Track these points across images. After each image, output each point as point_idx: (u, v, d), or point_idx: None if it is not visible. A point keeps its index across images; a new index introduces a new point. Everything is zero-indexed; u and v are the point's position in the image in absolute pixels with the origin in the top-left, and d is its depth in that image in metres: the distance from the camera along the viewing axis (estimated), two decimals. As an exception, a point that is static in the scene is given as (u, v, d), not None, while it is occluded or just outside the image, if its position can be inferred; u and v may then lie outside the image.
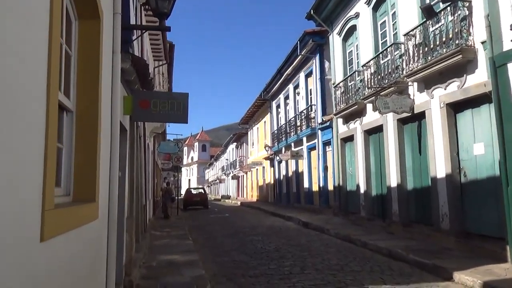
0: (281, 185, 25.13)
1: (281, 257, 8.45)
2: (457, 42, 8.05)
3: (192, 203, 28.24)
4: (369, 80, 12.13)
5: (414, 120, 10.36)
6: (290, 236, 11.75)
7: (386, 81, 10.94)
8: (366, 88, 12.19)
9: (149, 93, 5.85)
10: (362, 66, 12.56)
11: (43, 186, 1.99)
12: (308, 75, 19.35)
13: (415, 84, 9.96)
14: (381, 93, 10.43)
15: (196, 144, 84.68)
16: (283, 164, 24.20)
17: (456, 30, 8.08)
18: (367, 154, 12.95)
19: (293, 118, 21.13)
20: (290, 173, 22.91)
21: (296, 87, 21.45)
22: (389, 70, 10.90)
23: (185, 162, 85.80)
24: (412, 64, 9.69)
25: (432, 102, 9.35)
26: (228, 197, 50.11)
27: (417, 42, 9.52)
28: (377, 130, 12.27)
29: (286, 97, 23.47)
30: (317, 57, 17.64)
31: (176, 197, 22.28)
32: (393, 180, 11.11)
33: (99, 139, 3.53)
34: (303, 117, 19.37)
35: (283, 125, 23.30)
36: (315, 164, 18.60)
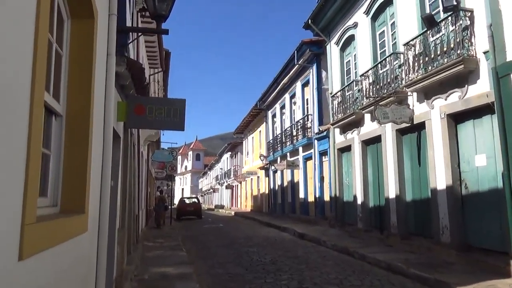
0: (276, 195, 24.88)
1: (278, 270, 8.19)
2: (458, 52, 7.93)
3: (185, 213, 27.84)
4: (367, 90, 12.01)
5: (414, 130, 10.22)
6: (286, 248, 11.49)
7: (385, 91, 10.82)
8: (365, 98, 12.06)
9: (144, 98, 5.62)
10: (360, 76, 12.45)
11: (23, 198, 1.75)
12: (305, 84, 19.24)
13: (415, 94, 9.84)
14: (380, 103, 10.28)
15: (190, 153, 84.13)
16: (278, 174, 23.98)
17: (458, 40, 7.98)
18: (365, 164, 12.77)
19: (289, 128, 20.96)
20: (285, 183, 22.68)
21: (292, 96, 21.34)
22: (388, 80, 10.79)
23: (178, 171, 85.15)
24: (412, 74, 9.58)
25: (432, 112, 9.22)
26: (222, 207, 49.68)
27: (417, 52, 9.42)
28: (375, 140, 12.12)
29: (282, 107, 23.34)
30: (314, 67, 17.54)
31: (170, 206, 21.91)
32: (391, 191, 10.93)
33: (90, 146, 3.30)
34: (299, 127, 19.21)
35: (279, 135, 23.13)
36: (311, 174, 18.41)
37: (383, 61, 11.22)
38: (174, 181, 26.68)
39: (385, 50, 11.85)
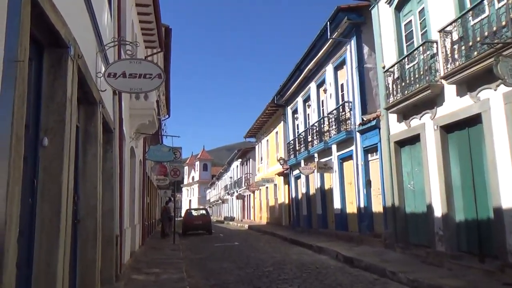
0: (299, 205, 20.94)
1: None
2: None
3: (192, 227, 23.99)
4: (449, 51, 8.32)
5: (552, 99, 6.42)
6: (340, 284, 7.65)
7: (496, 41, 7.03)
8: (449, 63, 8.32)
9: None
10: (438, 31, 8.69)
11: None
12: (339, 66, 15.47)
13: (559, 38, 6.08)
14: (503, 53, 6.49)
15: (197, 163, 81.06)
16: (302, 179, 20.08)
17: None
18: (446, 160, 8.93)
19: (317, 123, 17.13)
20: (312, 191, 18.78)
21: (320, 84, 17.52)
22: (503, 23, 7.01)
23: (185, 181, 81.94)
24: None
25: None
26: (232, 219, 45.84)
27: None
28: (466, 123, 8.34)
29: (307, 99, 19.50)
30: (353, 41, 13.80)
31: (174, 218, 18.43)
32: (506, 198, 7.08)
33: None
34: (332, 120, 15.39)
35: (303, 133, 19.31)
36: (350, 179, 14.51)
37: (483, 2, 7.48)
38: (180, 190, 23.12)
39: (480, -10, 8.12)
